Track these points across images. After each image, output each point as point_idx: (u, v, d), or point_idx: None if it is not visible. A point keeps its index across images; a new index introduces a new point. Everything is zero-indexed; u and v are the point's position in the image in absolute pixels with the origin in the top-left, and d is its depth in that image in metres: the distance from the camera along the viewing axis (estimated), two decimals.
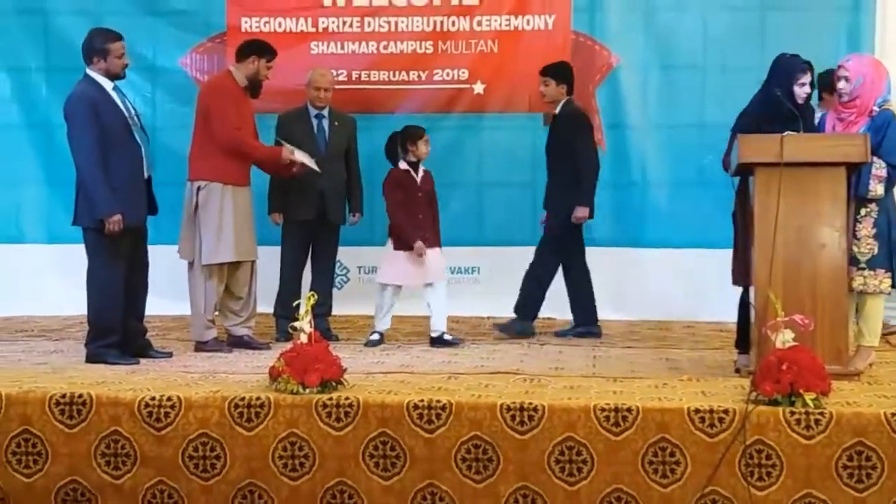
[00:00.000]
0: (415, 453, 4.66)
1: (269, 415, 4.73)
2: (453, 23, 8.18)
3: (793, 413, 4.48)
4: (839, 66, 5.57)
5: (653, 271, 7.83)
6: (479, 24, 8.17)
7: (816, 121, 5.73)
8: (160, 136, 7.63)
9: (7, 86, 8.31)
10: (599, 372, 5.63)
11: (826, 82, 6.48)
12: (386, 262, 6.74)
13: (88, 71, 5.93)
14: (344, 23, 8.22)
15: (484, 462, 4.62)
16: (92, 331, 5.95)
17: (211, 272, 6.35)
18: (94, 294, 5.91)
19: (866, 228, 5.43)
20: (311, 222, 6.98)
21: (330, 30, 8.23)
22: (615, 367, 5.77)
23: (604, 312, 7.39)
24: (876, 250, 5.42)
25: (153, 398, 4.80)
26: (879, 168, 5.38)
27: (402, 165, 6.71)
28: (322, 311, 6.69)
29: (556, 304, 7.32)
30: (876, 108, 5.48)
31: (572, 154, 7.00)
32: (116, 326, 5.90)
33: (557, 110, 7.12)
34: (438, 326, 6.67)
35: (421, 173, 6.75)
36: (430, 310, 6.71)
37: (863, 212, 5.43)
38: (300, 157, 6.61)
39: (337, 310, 7.33)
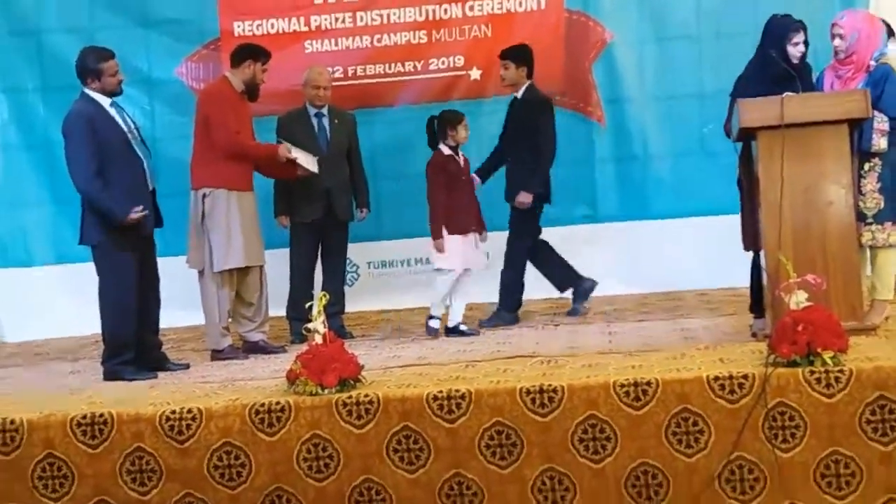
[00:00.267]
0: (438, 444, 4.65)
1: (290, 418, 4.73)
2: (445, 10, 8.17)
3: (812, 373, 4.46)
4: (833, 24, 5.53)
5: (661, 242, 7.82)
6: (472, 9, 8.16)
7: (814, 79, 5.70)
8: (161, 147, 7.62)
9: (5, 108, 8.32)
10: (616, 348, 5.62)
11: None
12: (445, 249, 6.58)
13: (85, 89, 5.93)
14: (336, 19, 8.22)
15: (508, 447, 4.62)
16: (107, 348, 5.96)
17: (222, 279, 6.36)
18: (107, 311, 5.92)
19: (871, 183, 5.40)
20: (318, 222, 6.97)
21: (323, 27, 8.23)
22: (631, 342, 5.76)
23: (615, 287, 7.39)
24: (882, 204, 5.39)
25: (174, 411, 4.80)
26: (881, 122, 5.35)
27: (445, 150, 6.62)
28: (335, 310, 6.70)
29: None
30: (873, 63, 5.45)
31: (534, 137, 6.92)
32: (131, 342, 5.90)
33: (520, 94, 7.01)
34: (456, 317, 6.63)
35: (461, 158, 6.69)
36: (449, 298, 6.64)
37: (866, 167, 5.41)
38: (297, 154, 6.60)
39: (349, 307, 7.33)
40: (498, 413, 4.62)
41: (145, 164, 5.95)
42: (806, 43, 5.55)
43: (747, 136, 5.38)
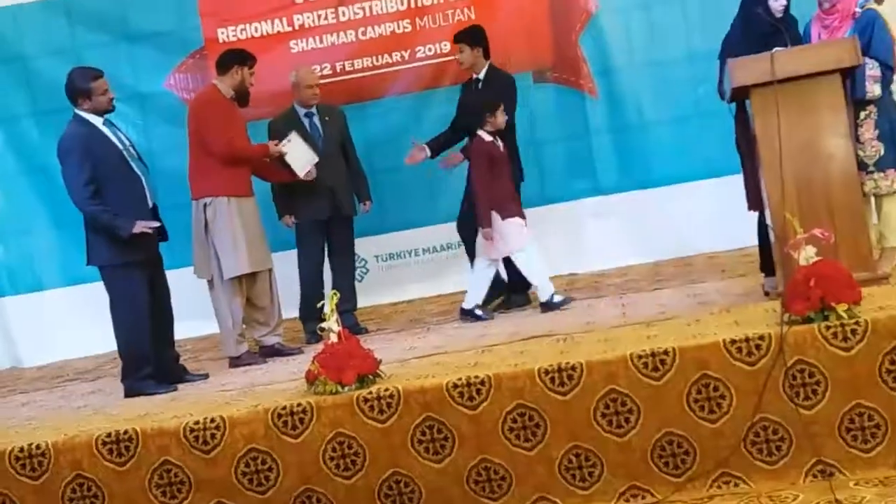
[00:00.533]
0: (462, 432, 4.67)
1: (312, 419, 4.75)
2: None
3: (828, 327, 4.46)
4: None
5: (666, 209, 7.80)
6: None
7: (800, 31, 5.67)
8: (157, 160, 7.58)
9: (0, 137, 8.33)
10: (630, 319, 5.63)
11: None
12: (511, 230, 6.49)
13: (76, 110, 5.93)
14: (319, 16, 8.20)
15: (531, 429, 4.63)
16: (125, 365, 5.97)
17: (232, 287, 6.37)
18: (121, 329, 5.94)
19: (869, 131, 5.40)
20: (324, 220, 6.98)
21: (306, 26, 8.22)
22: (645, 312, 5.76)
23: (625, 258, 7.38)
24: (882, 151, 5.39)
25: (197, 422, 4.82)
26: (873, 68, 5.35)
27: (486, 136, 6.56)
28: (348, 306, 6.71)
29: (579, 260, 7.29)
30: (858, 10, 5.44)
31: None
32: (148, 357, 5.92)
33: (482, 74, 6.93)
34: (475, 299, 6.60)
35: (500, 143, 6.64)
36: (473, 280, 6.59)
37: (862, 115, 5.41)
38: (289, 148, 6.60)
39: (361, 301, 7.34)
40: (519, 395, 4.64)
41: (144, 181, 5.94)
42: None
43: (741, 95, 5.36)
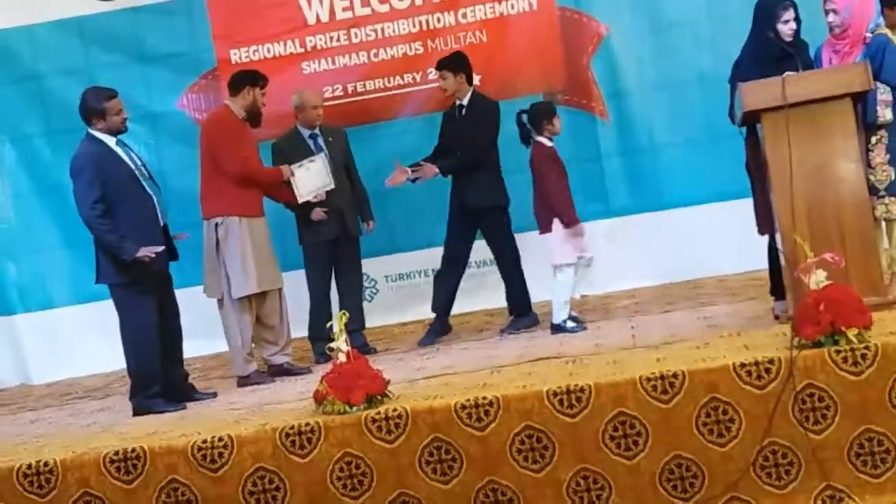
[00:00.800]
0: (470, 453, 4.66)
1: (320, 439, 4.74)
2: (438, 19, 8.18)
3: (838, 352, 4.44)
4: (825, 0, 5.52)
5: (676, 232, 7.78)
6: (465, 16, 8.17)
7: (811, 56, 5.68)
8: (168, 180, 7.61)
9: (12, 156, 8.38)
10: (640, 342, 5.62)
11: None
12: (557, 243, 6.47)
13: (90, 129, 5.96)
14: (331, 38, 8.24)
15: (539, 451, 4.62)
16: (134, 384, 5.98)
17: (242, 306, 6.38)
18: (130, 347, 5.95)
19: (880, 155, 5.40)
20: (331, 240, 6.98)
21: (318, 47, 8.26)
22: (654, 335, 5.76)
23: (635, 281, 7.37)
24: (893, 176, 5.39)
25: (205, 440, 4.82)
26: (884, 93, 5.36)
27: (546, 142, 6.56)
28: (356, 326, 6.71)
29: (589, 281, 7.27)
30: (868, 35, 5.44)
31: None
32: (157, 375, 5.93)
33: (465, 100, 6.97)
34: (562, 312, 6.47)
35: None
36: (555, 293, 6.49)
37: (873, 140, 5.41)
38: (302, 172, 6.63)
39: (371, 322, 7.35)
40: (527, 417, 4.62)
41: (155, 200, 5.96)
42: (797, 20, 5.50)
43: (752, 119, 5.36)
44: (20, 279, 8.42)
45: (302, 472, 4.75)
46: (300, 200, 6.73)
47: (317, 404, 4.93)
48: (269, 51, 8.24)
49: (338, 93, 8.10)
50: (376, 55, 8.23)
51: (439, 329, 7.00)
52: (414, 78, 8.20)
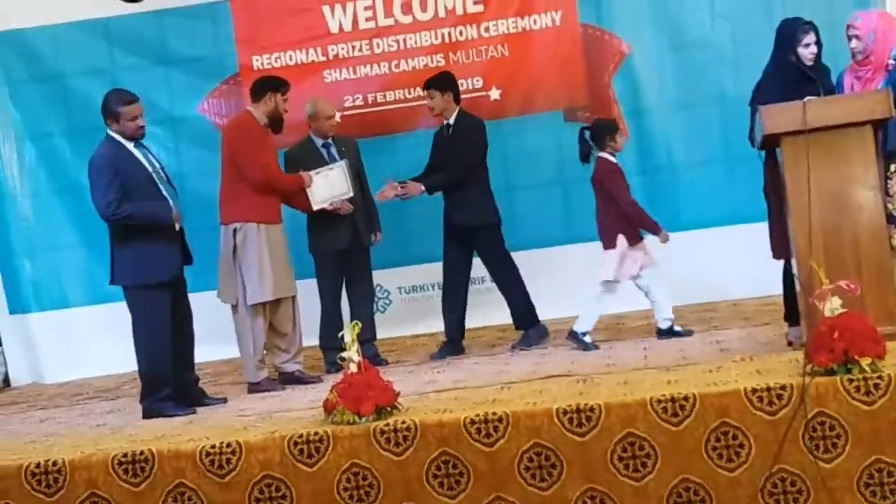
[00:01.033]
0: (478, 468, 4.65)
1: (328, 448, 4.74)
2: (461, 32, 8.21)
3: (851, 380, 4.42)
4: (848, 26, 5.50)
5: (691, 254, 7.74)
6: (487, 30, 8.19)
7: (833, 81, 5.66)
8: (187, 183, 7.64)
9: (33, 154, 8.43)
10: (651, 363, 5.60)
11: None
12: (616, 260, 6.50)
13: (109, 130, 5.97)
14: (353, 47, 8.27)
15: (547, 469, 4.61)
16: (145, 386, 5.99)
17: (256, 312, 6.39)
18: (142, 349, 5.96)
19: None
20: (343, 250, 6.99)
21: (340, 56, 8.29)
22: (666, 357, 5.74)
23: (648, 301, 7.32)
24: None
25: (213, 446, 4.82)
26: None
27: (611, 158, 6.60)
28: (367, 336, 6.69)
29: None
30: (892, 62, 5.41)
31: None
32: (168, 378, 5.94)
33: (452, 119, 6.99)
34: (668, 313, 6.53)
35: None
36: (650, 299, 6.56)
37: (892, 168, 5.37)
38: (320, 178, 6.64)
39: (383, 333, 7.35)
40: (536, 434, 4.61)
41: (172, 203, 5.96)
42: (818, 43, 5.49)
43: (771, 142, 5.34)
44: (36, 277, 8.46)
45: (309, 481, 4.75)
46: (315, 207, 6.75)
47: (326, 414, 4.93)
48: (290, 58, 8.28)
49: (358, 102, 8.13)
50: (397, 66, 8.26)
51: (452, 350, 7.00)
52: None
